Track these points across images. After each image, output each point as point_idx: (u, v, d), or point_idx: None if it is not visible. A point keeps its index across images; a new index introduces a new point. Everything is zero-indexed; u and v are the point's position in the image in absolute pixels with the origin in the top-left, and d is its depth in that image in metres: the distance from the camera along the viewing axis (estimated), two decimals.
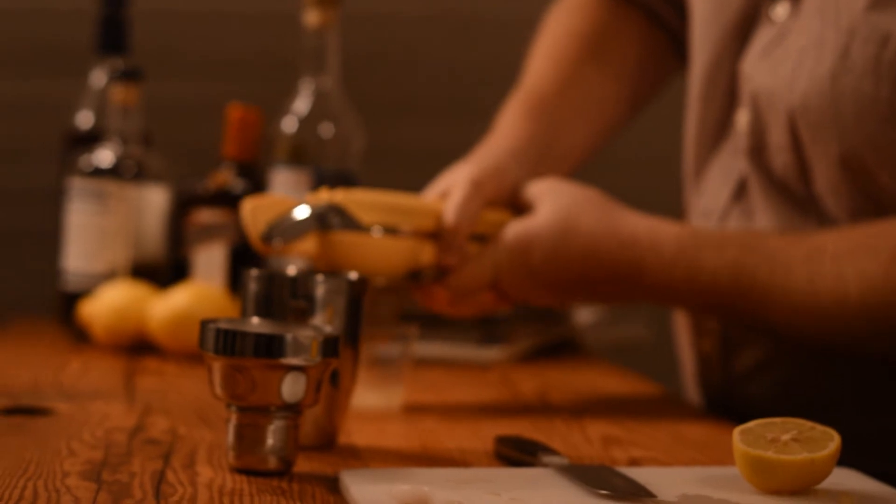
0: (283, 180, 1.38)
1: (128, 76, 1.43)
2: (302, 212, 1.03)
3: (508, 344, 1.38)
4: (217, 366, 0.80)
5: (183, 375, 1.19)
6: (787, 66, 1.10)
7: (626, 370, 1.34)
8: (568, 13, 1.33)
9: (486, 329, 1.36)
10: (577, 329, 1.50)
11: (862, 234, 1.05)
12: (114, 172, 1.41)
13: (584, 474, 0.79)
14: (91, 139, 1.49)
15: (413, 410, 1.06)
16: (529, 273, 1.10)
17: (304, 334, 0.80)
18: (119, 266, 1.40)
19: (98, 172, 1.41)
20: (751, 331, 1.16)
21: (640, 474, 0.81)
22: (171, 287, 1.32)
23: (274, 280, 0.89)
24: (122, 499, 0.73)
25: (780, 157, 1.12)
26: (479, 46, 1.91)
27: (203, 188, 1.44)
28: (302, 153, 1.38)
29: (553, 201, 1.10)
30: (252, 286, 0.89)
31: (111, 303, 1.31)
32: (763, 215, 1.13)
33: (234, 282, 1.37)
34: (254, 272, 0.89)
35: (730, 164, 1.17)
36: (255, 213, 1.01)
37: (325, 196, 1.05)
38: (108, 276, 1.39)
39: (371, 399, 1.04)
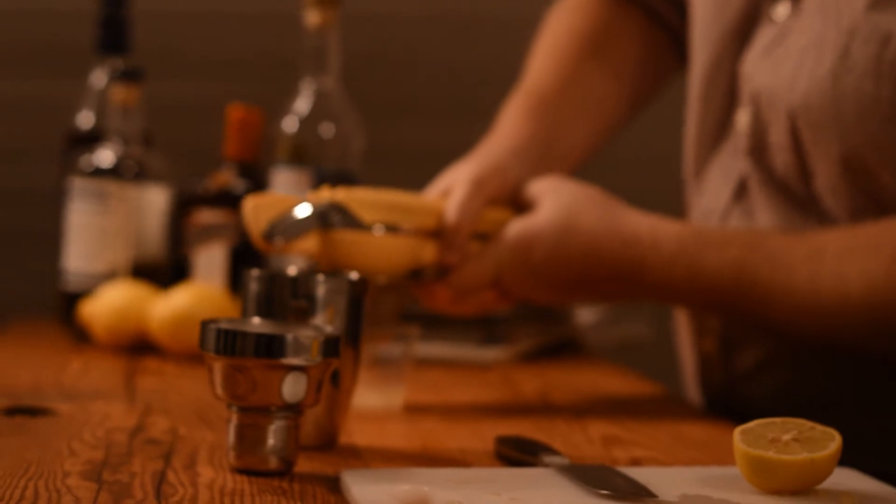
0: (283, 180, 1.38)
1: (128, 76, 1.43)
2: (303, 210, 1.03)
3: (509, 344, 1.38)
4: (218, 366, 0.80)
5: (183, 376, 1.19)
6: (788, 65, 1.10)
7: (627, 370, 1.34)
8: (569, 12, 1.33)
9: (487, 329, 1.36)
10: (579, 329, 1.50)
11: (863, 233, 1.05)
12: (114, 172, 1.41)
13: (585, 474, 0.79)
14: (91, 139, 1.49)
15: (414, 410, 1.06)
16: (531, 271, 1.10)
17: (305, 334, 0.80)
18: (119, 266, 1.40)
19: (99, 172, 1.41)
20: (752, 329, 1.16)
21: (641, 474, 0.80)
22: (172, 287, 1.32)
23: (275, 280, 0.89)
24: (123, 499, 0.73)
25: (780, 156, 1.12)
26: (479, 46, 1.91)
27: (203, 188, 1.44)
28: (302, 153, 1.38)
29: (554, 200, 1.10)
30: (253, 286, 0.89)
31: (112, 303, 1.31)
32: (764, 215, 1.13)
33: (235, 282, 1.37)
34: (254, 272, 0.89)
35: (730, 164, 1.17)
36: (256, 211, 1.01)
37: (327, 194, 1.05)
38: (109, 276, 1.39)
39: (372, 399, 1.04)
